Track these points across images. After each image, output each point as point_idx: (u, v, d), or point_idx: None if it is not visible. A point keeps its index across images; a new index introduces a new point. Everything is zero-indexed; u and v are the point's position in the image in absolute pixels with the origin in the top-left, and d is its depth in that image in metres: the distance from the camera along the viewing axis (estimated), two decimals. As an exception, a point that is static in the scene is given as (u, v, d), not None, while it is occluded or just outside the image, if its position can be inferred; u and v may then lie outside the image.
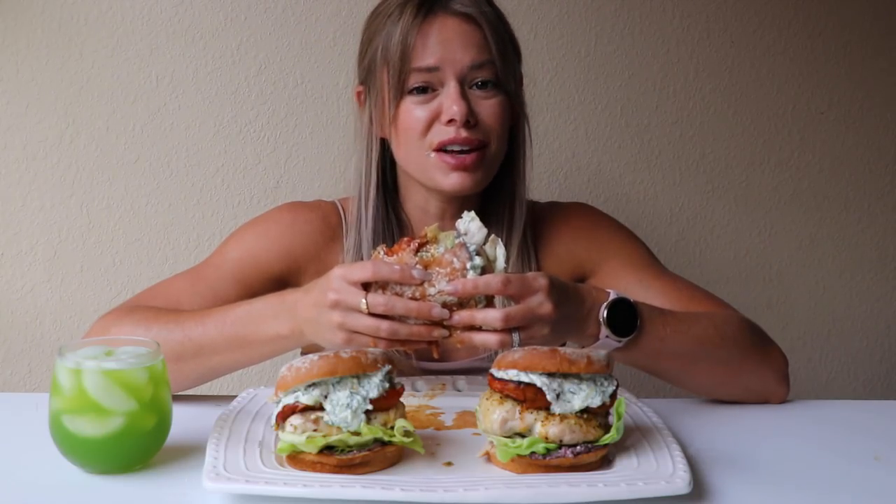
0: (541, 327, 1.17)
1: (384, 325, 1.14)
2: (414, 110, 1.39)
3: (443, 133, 1.38)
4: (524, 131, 1.48)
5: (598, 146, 2.25)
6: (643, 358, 1.30)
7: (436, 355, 1.18)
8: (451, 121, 1.37)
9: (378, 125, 1.44)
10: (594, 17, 2.21)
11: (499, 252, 1.17)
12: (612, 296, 1.24)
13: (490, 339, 1.15)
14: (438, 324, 1.14)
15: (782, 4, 2.26)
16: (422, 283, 1.13)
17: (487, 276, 1.13)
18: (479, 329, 1.15)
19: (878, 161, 2.34)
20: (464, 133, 1.37)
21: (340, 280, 1.16)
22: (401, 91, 1.38)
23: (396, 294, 1.14)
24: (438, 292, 1.13)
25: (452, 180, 1.39)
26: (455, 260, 1.14)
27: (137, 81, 2.12)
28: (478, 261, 1.14)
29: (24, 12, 2.09)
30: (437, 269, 1.14)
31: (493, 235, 1.18)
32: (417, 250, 1.15)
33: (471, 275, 1.14)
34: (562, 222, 1.53)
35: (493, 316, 1.13)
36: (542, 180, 2.21)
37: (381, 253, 1.17)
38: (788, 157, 2.31)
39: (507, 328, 1.15)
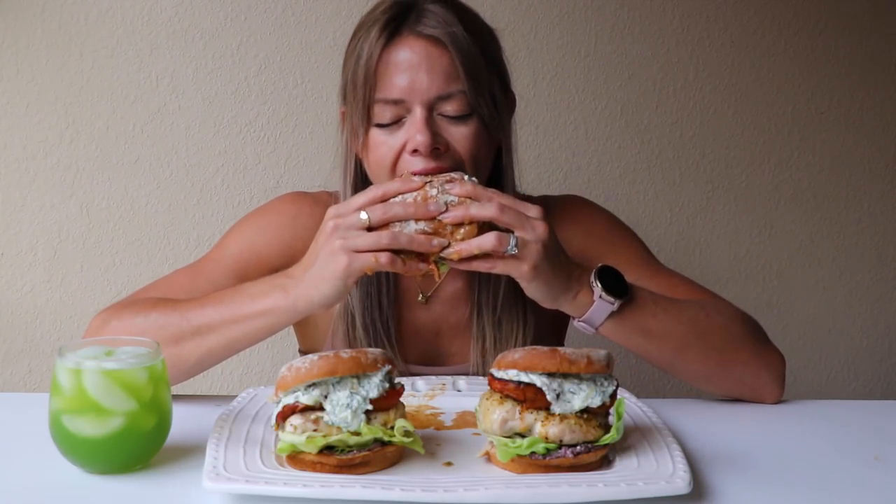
0: (535, 241, 1.18)
1: (385, 233, 1.16)
2: (382, 142, 1.34)
3: (411, 165, 1.32)
4: (507, 160, 1.43)
5: (598, 146, 2.25)
6: (635, 336, 1.30)
7: (437, 278, 1.19)
8: (416, 150, 1.31)
9: (352, 145, 1.41)
10: (594, 17, 2.21)
11: None
12: (599, 265, 1.27)
13: (487, 237, 1.16)
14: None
15: (782, 4, 2.26)
16: (423, 186, 1.17)
17: (484, 187, 1.19)
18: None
19: (878, 161, 2.34)
20: (432, 164, 1.31)
21: (337, 209, 1.20)
22: (367, 121, 1.35)
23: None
24: (438, 192, 1.18)
25: None
26: (452, 174, 1.22)
27: (137, 81, 2.12)
28: (469, 178, 1.21)
29: (24, 12, 2.09)
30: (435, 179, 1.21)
31: (472, 179, 1.23)
32: None
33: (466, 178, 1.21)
34: (557, 217, 1.49)
35: (487, 207, 1.17)
36: (542, 180, 2.21)
37: None
38: (788, 157, 2.31)
39: (502, 223, 1.17)
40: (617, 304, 1.25)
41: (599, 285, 1.25)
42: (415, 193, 1.18)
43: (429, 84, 1.31)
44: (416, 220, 1.17)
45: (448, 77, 1.32)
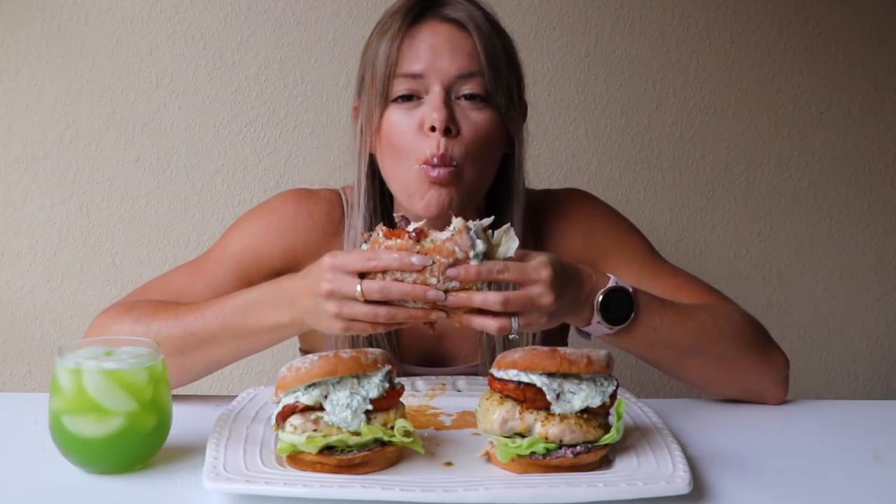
0: (539, 316, 1.16)
1: (382, 311, 1.12)
2: (398, 120, 1.34)
3: (425, 146, 1.32)
4: (517, 158, 1.42)
5: (598, 146, 2.25)
6: (635, 346, 1.30)
7: (431, 332, 1.18)
8: (432, 128, 1.31)
9: (367, 139, 1.40)
10: (594, 17, 2.21)
11: (511, 243, 1.15)
12: (611, 282, 1.24)
13: (489, 323, 1.13)
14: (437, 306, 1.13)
15: (782, 4, 2.26)
16: (422, 269, 1.10)
17: (487, 263, 1.11)
18: (478, 313, 1.13)
19: (878, 161, 2.34)
20: (443, 142, 1.31)
21: (333, 270, 1.14)
22: (385, 98, 1.35)
23: (396, 280, 1.11)
24: (438, 281, 1.11)
25: (427, 199, 1.34)
26: (457, 249, 1.11)
27: (137, 81, 2.12)
28: (480, 247, 1.12)
29: (24, 12, 2.09)
30: (438, 257, 1.11)
31: (507, 225, 1.16)
32: (417, 240, 1.12)
33: (473, 262, 1.11)
34: (559, 214, 1.50)
35: (492, 300, 1.12)
36: (542, 181, 2.20)
37: (381, 234, 1.14)
38: (788, 157, 2.31)
39: (507, 312, 1.13)
40: (614, 329, 1.25)
41: (600, 313, 1.23)
42: (416, 274, 1.10)
43: (450, 63, 1.34)
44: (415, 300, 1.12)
45: (469, 58, 1.35)
